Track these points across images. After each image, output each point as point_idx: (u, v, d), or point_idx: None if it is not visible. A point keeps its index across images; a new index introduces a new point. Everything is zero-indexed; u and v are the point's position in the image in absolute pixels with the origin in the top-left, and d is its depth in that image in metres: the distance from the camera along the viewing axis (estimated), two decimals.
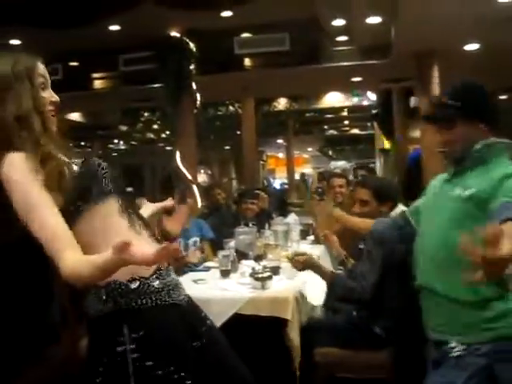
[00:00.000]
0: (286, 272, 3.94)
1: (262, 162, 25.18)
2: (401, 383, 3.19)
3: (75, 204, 1.84)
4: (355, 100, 15.29)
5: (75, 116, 16.15)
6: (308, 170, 27.33)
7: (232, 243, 4.60)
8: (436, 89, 8.20)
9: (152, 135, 19.84)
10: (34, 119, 1.86)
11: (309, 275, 3.91)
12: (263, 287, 3.56)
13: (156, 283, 1.88)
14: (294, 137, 19.74)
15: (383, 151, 16.30)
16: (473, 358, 2.09)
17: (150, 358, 1.79)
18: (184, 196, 5.22)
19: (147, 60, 9.17)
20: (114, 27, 8.32)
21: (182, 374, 1.83)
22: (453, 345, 2.15)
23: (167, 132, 16.80)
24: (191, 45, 8.84)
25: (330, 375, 3.47)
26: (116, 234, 1.81)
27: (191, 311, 2.04)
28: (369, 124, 18.97)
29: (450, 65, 8.16)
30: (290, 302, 3.37)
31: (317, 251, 4.95)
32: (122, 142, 23.04)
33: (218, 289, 3.71)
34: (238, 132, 14.44)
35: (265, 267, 3.81)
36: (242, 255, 4.41)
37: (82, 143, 21.71)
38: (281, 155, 26.89)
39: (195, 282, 3.95)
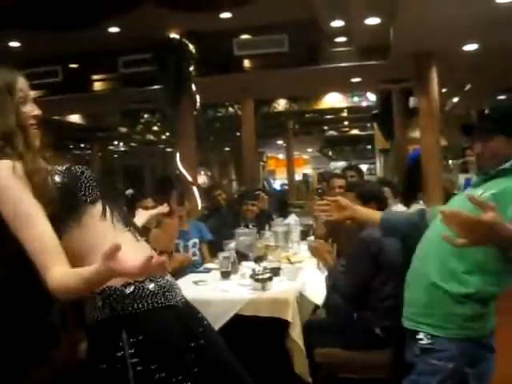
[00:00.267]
0: (286, 273, 3.95)
1: (262, 163, 25.20)
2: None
3: (61, 214, 1.84)
4: (355, 101, 15.30)
5: (75, 118, 16.16)
6: (308, 170, 27.37)
7: (232, 244, 4.61)
8: (435, 89, 8.21)
9: (152, 137, 19.85)
10: (18, 135, 1.85)
11: (310, 275, 3.93)
12: (263, 288, 3.57)
13: (151, 286, 1.89)
14: (293, 138, 19.75)
15: (383, 151, 16.30)
16: (442, 362, 2.14)
17: (150, 362, 1.80)
18: (182, 198, 5.24)
19: (147, 62, 9.17)
20: (114, 29, 8.32)
21: (181, 376, 1.83)
22: (421, 336, 2.20)
23: (167, 133, 16.82)
24: (190, 46, 8.84)
25: (331, 375, 3.48)
26: (104, 241, 1.81)
27: (188, 312, 2.05)
28: (368, 124, 18.98)
29: (448, 65, 8.18)
30: (290, 304, 3.37)
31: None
32: (121, 144, 23.04)
33: (218, 290, 3.72)
34: (238, 133, 14.44)
35: (265, 268, 3.82)
36: (242, 256, 4.42)
37: (82, 145, 21.75)
38: (281, 156, 26.92)
39: (196, 283, 3.96)
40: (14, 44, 8.83)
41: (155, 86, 9.35)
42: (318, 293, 3.86)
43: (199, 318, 2.11)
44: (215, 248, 4.99)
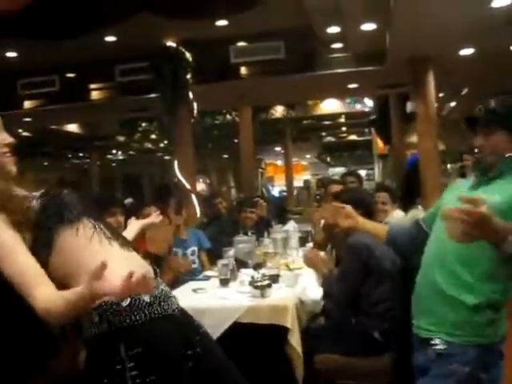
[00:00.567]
0: (285, 280, 3.94)
1: (260, 170, 25.21)
2: None
3: (43, 237, 1.85)
4: (350, 104, 15.34)
5: (73, 127, 16.17)
6: (307, 176, 27.36)
7: (231, 252, 4.60)
8: (432, 94, 8.23)
9: (150, 145, 19.88)
10: None
11: (308, 282, 3.92)
12: (262, 295, 3.56)
13: (146, 297, 1.89)
14: (291, 144, 19.78)
15: (381, 157, 16.33)
16: (457, 365, 2.12)
17: (148, 374, 1.80)
18: (180, 206, 5.23)
19: (143, 70, 9.18)
20: (110, 38, 8.34)
21: None
22: (436, 342, 2.18)
23: (165, 141, 16.83)
24: (187, 54, 8.86)
25: (331, 382, 3.47)
26: (90, 258, 1.81)
27: (184, 320, 2.05)
28: (366, 130, 19.02)
29: (445, 70, 8.19)
30: (289, 310, 3.37)
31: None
32: (120, 152, 23.06)
33: (217, 298, 3.71)
34: (236, 140, 14.45)
35: (264, 275, 3.82)
36: (241, 264, 4.41)
37: (81, 154, 21.77)
38: (279, 163, 26.93)
39: (195, 291, 3.96)
40: (11, 54, 8.84)
41: (152, 95, 9.36)
42: (316, 299, 3.85)
43: (196, 326, 2.11)
44: (214, 256, 4.98)
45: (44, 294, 1.68)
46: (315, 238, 5.48)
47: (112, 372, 1.81)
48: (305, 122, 17.80)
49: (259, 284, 3.63)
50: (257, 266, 4.09)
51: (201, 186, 21.24)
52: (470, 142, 2.38)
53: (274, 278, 3.87)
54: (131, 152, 22.50)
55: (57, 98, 9.99)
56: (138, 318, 1.86)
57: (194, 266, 5.17)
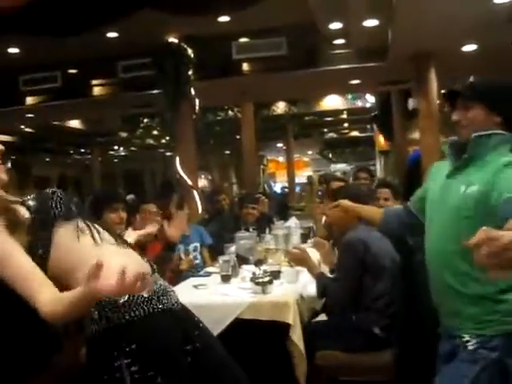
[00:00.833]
0: (286, 276, 3.94)
1: (262, 166, 25.20)
2: None
3: (39, 239, 1.86)
4: (352, 103, 15.32)
5: (75, 123, 16.18)
6: (309, 173, 27.38)
7: (232, 248, 4.61)
8: (434, 90, 8.22)
9: (152, 141, 19.87)
10: None
11: (310, 278, 3.92)
12: (264, 292, 3.56)
13: (144, 292, 1.89)
14: (293, 140, 19.75)
15: (383, 153, 16.31)
16: (485, 351, 2.11)
17: (148, 369, 1.81)
18: (182, 202, 5.24)
19: (146, 66, 9.19)
20: (112, 34, 8.34)
21: (177, 381, 1.84)
22: (467, 338, 2.16)
23: (167, 138, 16.83)
24: (189, 50, 8.86)
25: (332, 378, 3.48)
26: (86, 256, 1.82)
27: (184, 315, 2.05)
28: (368, 126, 19.00)
29: (447, 66, 8.18)
30: (290, 307, 3.37)
31: (317, 254, 4.95)
32: (122, 149, 23.07)
33: (218, 294, 3.71)
34: (238, 136, 14.46)
35: (265, 272, 3.82)
36: (242, 260, 4.41)
37: (82, 150, 21.77)
38: (281, 159, 26.91)
39: (196, 287, 3.96)
40: (13, 50, 8.85)
41: (154, 91, 9.36)
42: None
43: (195, 321, 2.11)
44: (216, 252, 4.99)
45: (47, 296, 1.68)
46: (317, 235, 5.49)
47: (112, 368, 1.82)
48: (307, 118, 17.77)
49: (260, 280, 3.63)
50: (258, 263, 4.08)
51: (203, 183, 21.28)
52: None
53: (276, 275, 3.87)
54: (133, 148, 22.51)
55: (59, 94, 10.00)
56: (136, 313, 1.86)
57: (196, 261, 5.18)
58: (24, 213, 1.89)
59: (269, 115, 15.56)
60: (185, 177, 8.89)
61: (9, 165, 1.96)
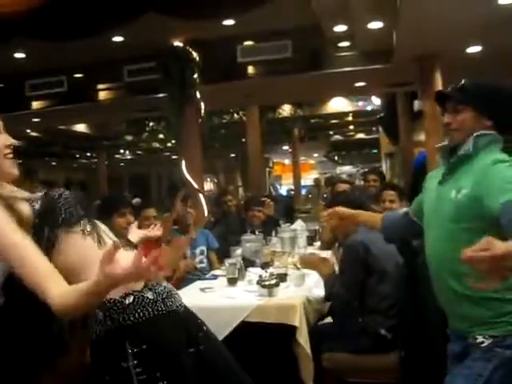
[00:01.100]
0: (293, 279, 3.95)
1: (268, 169, 25.21)
2: None
3: (45, 239, 1.87)
4: (360, 105, 15.32)
5: (81, 127, 16.24)
6: (315, 175, 27.37)
7: (239, 251, 4.62)
8: None
9: (158, 144, 19.93)
10: None
11: (316, 281, 3.93)
12: (270, 294, 3.57)
13: (149, 294, 1.90)
14: (299, 143, 19.76)
15: (389, 155, 16.28)
16: (499, 349, 2.09)
17: (153, 371, 1.81)
18: (186, 198, 5.26)
19: (151, 70, 9.21)
20: (118, 38, 8.36)
21: (182, 383, 1.85)
22: (480, 339, 2.14)
23: (173, 141, 16.88)
24: (194, 54, 8.88)
25: (339, 380, 3.48)
26: (91, 257, 1.83)
27: (188, 318, 2.06)
28: (374, 128, 18.98)
29: (452, 68, 8.17)
30: (297, 309, 3.37)
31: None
32: (127, 152, 23.13)
33: (225, 297, 3.72)
34: (243, 140, 14.47)
35: (272, 274, 3.82)
36: (248, 263, 4.42)
37: (88, 154, 21.85)
38: (287, 161, 26.91)
39: (202, 290, 3.96)
40: (20, 55, 8.89)
41: (160, 95, 9.38)
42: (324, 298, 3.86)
43: (199, 323, 2.12)
44: (222, 254, 5.00)
45: (58, 289, 1.69)
46: (323, 237, 5.49)
47: (117, 370, 1.82)
48: (312, 120, 17.78)
49: (267, 283, 3.63)
50: (264, 265, 4.09)
51: (208, 186, 21.30)
52: None
53: (282, 277, 3.88)
54: (139, 152, 22.57)
55: (65, 98, 10.03)
56: (141, 315, 1.87)
57: (202, 265, 5.19)
58: (28, 212, 1.90)
59: (274, 118, 15.57)
60: (191, 180, 8.90)
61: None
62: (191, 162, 9.08)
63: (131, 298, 1.87)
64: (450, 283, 2.21)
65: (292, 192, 21.08)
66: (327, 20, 7.63)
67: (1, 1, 5.91)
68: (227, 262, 4.15)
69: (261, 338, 3.40)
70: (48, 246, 1.88)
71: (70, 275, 1.82)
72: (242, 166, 22.02)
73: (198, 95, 8.99)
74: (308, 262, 3.81)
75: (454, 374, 2.21)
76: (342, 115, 17.28)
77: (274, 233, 5.56)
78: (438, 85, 8.17)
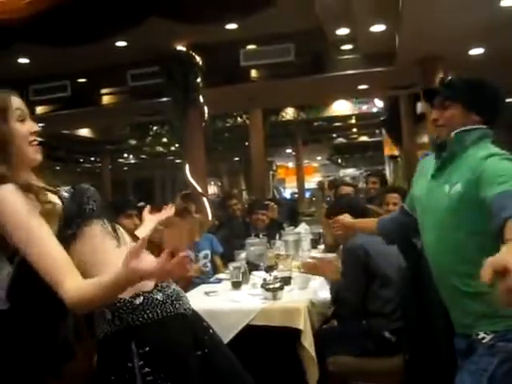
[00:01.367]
0: (297, 282, 3.95)
1: (271, 172, 25.22)
2: None
3: (66, 230, 1.87)
4: (363, 108, 15.32)
5: (85, 132, 16.28)
6: (319, 178, 27.37)
7: (243, 254, 4.62)
8: None
9: (161, 148, 19.96)
10: (12, 153, 1.85)
11: (320, 284, 3.93)
12: (275, 298, 3.57)
13: (159, 296, 1.91)
14: (302, 146, 19.77)
15: (392, 157, 16.29)
16: (502, 343, 2.09)
17: (159, 372, 1.82)
18: (187, 195, 5.27)
19: (154, 74, 9.24)
20: (121, 43, 8.40)
21: None
22: (482, 335, 2.14)
23: (176, 145, 16.92)
24: (197, 58, 8.90)
25: (343, 383, 3.48)
26: (108, 255, 1.84)
27: (195, 320, 2.07)
28: (377, 131, 19.00)
29: (455, 70, 8.17)
30: (301, 312, 3.37)
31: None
32: (131, 156, 23.17)
33: (229, 300, 3.72)
34: (247, 143, 14.49)
35: (276, 278, 3.82)
36: (253, 266, 4.42)
37: (92, 158, 21.89)
38: (290, 164, 26.92)
39: (207, 294, 3.97)
40: (23, 60, 8.93)
41: (163, 99, 9.41)
42: (328, 301, 3.86)
43: (205, 326, 2.12)
44: (226, 258, 5.00)
45: (75, 282, 1.68)
46: (326, 241, 5.49)
47: (123, 370, 1.83)
48: (315, 123, 17.80)
49: (271, 286, 3.63)
50: (269, 269, 4.09)
51: (212, 189, 21.31)
52: None
53: (286, 280, 3.88)
54: (143, 156, 22.60)
55: (69, 103, 10.07)
56: (150, 316, 1.88)
57: (206, 269, 5.19)
58: (57, 202, 1.90)
59: (277, 121, 15.59)
60: (194, 184, 8.91)
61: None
62: (195, 166, 9.11)
63: (141, 299, 1.88)
64: (451, 279, 2.21)
65: (296, 195, 21.09)
66: (330, 23, 7.65)
67: (4, 7, 5.94)
68: (231, 265, 4.15)
69: (265, 342, 3.41)
70: (70, 236, 1.88)
71: (86, 271, 1.82)
72: (245, 170, 22.06)
73: (202, 99, 9.02)
74: (311, 268, 3.79)
75: (462, 370, 2.22)
76: (345, 118, 17.29)
77: (278, 236, 5.56)
78: None
